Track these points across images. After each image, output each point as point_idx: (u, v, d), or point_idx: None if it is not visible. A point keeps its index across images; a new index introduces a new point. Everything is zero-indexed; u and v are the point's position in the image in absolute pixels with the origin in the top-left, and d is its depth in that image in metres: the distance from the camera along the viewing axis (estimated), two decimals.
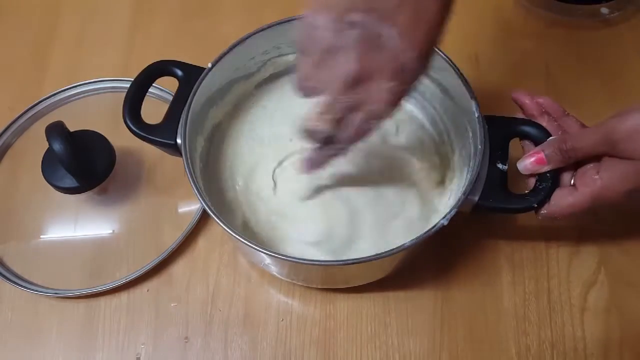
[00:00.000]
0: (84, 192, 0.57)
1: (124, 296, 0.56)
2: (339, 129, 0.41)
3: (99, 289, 0.55)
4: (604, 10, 0.70)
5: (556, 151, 0.46)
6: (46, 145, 0.54)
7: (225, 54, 0.52)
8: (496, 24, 0.71)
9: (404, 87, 0.39)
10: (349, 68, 0.38)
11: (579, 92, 0.65)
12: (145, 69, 0.52)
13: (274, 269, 0.52)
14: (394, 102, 0.40)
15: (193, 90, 0.50)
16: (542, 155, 0.46)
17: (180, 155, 0.48)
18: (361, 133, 0.41)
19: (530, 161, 0.47)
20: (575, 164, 0.47)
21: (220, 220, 0.45)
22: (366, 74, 0.38)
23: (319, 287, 0.56)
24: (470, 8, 0.72)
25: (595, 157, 0.45)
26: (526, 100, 0.51)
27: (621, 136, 0.42)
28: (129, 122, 0.50)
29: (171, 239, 0.57)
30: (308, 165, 0.46)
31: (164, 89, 0.63)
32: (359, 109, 0.40)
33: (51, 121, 0.55)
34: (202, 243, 0.59)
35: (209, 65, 0.51)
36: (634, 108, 0.43)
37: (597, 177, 0.44)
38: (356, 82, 0.39)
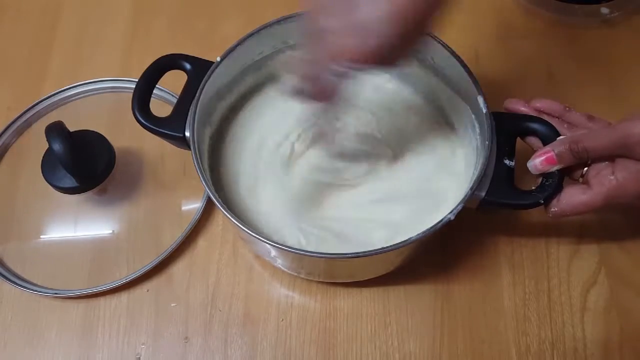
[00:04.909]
0: (83, 192, 0.57)
1: (124, 296, 0.56)
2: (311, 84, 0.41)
3: (99, 289, 0.55)
4: (604, 10, 0.70)
5: (567, 151, 0.45)
6: (46, 145, 0.54)
7: (234, 47, 0.52)
8: (496, 24, 0.71)
9: (364, 48, 0.37)
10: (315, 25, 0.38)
11: (579, 91, 0.65)
12: (154, 61, 0.52)
13: (279, 262, 0.52)
14: (354, 60, 0.38)
15: (202, 84, 0.51)
16: (552, 154, 0.46)
17: (188, 148, 0.49)
18: (325, 91, 0.41)
19: (540, 160, 0.46)
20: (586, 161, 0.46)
21: (227, 212, 0.45)
22: (327, 30, 0.38)
23: (322, 280, 0.56)
24: (471, 8, 0.72)
25: (609, 158, 0.45)
26: (522, 108, 0.51)
27: (636, 140, 0.42)
28: (138, 115, 0.50)
29: (171, 238, 0.57)
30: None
31: (164, 89, 0.63)
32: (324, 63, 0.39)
33: (51, 121, 0.55)
34: (202, 243, 0.59)
35: (218, 59, 0.52)
36: None
37: (612, 177, 0.44)
38: (317, 37, 0.38)
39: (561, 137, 0.47)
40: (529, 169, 0.47)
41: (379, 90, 0.58)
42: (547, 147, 0.47)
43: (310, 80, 0.41)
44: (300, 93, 0.42)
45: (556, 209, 0.47)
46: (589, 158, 0.45)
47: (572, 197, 0.46)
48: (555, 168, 0.46)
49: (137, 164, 0.62)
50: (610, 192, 0.44)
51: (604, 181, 0.45)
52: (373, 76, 0.58)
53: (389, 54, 0.38)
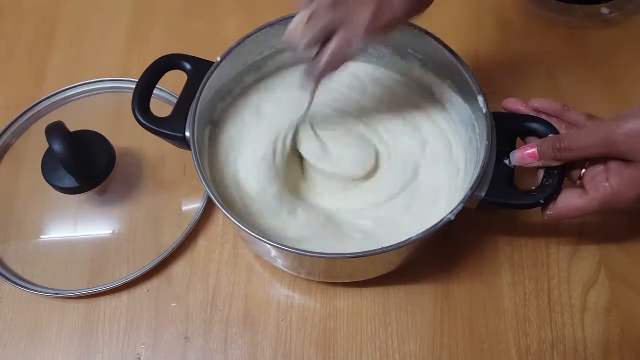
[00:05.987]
0: (84, 192, 0.57)
1: (124, 296, 0.56)
2: (316, 49, 0.43)
3: (99, 289, 0.55)
4: (604, 10, 0.70)
5: (549, 148, 0.46)
6: (46, 145, 0.54)
7: (234, 47, 0.52)
8: (496, 24, 0.71)
9: (386, 16, 0.41)
10: None
11: (579, 91, 0.65)
12: (154, 62, 0.52)
13: (279, 262, 0.52)
14: (371, 29, 0.41)
15: (202, 84, 0.51)
16: (534, 150, 0.46)
17: (188, 148, 0.49)
18: (334, 59, 0.43)
19: (520, 154, 0.47)
20: (584, 161, 0.46)
21: (227, 212, 0.45)
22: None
23: (322, 280, 0.56)
24: (470, 8, 0.72)
25: (600, 158, 0.45)
26: (520, 107, 0.51)
27: (619, 139, 0.42)
28: (138, 115, 0.50)
29: (171, 238, 0.57)
30: (305, 76, 0.47)
31: (164, 89, 0.63)
32: (337, 30, 0.42)
33: (51, 121, 0.55)
34: (202, 243, 0.59)
35: (218, 59, 0.52)
36: (632, 113, 0.42)
37: (606, 183, 0.44)
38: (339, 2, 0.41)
39: (552, 135, 0.47)
40: (511, 159, 0.48)
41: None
42: (533, 143, 0.47)
43: (317, 45, 0.43)
44: (310, 71, 0.44)
45: (552, 212, 0.47)
46: (572, 157, 0.45)
47: (568, 201, 0.46)
48: (536, 163, 0.47)
49: (137, 164, 0.62)
50: (605, 198, 0.44)
51: (599, 187, 0.45)
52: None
53: (394, 27, 0.42)
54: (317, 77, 0.45)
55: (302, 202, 0.54)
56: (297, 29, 0.42)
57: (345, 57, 0.43)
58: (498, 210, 0.49)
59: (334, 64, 0.43)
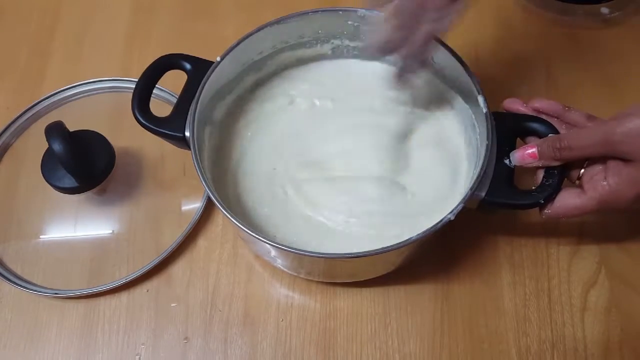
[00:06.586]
0: (83, 192, 0.57)
1: (124, 296, 0.56)
2: (404, 40, 0.44)
3: (99, 289, 0.55)
4: (604, 10, 0.70)
5: (549, 148, 0.45)
6: (46, 145, 0.54)
7: (234, 47, 0.52)
8: (496, 23, 0.71)
9: None
10: None
11: (578, 92, 0.65)
12: (154, 61, 0.53)
13: (279, 262, 0.52)
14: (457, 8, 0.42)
15: (202, 84, 0.51)
16: (535, 149, 0.46)
17: (188, 148, 0.49)
18: (424, 42, 0.44)
19: (520, 153, 0.47)
20: (583, 161, 0.46)
21: (227, 212, 0.45)
22: None
23: (322, 280, 0.56)
24: (470, 8, 0.72)
25: (600, 158, 0.45)
26: (520, 108, 0.51)
27: (619, 138, 0.42)
28: (137, 114, 0.50)
29: (171, 239, 0.57)
30: (395, 83, 0.50)
31: (164, 89, 0.63)
32: (423, 15, 0.43)
33: (51, 121, 0.55)
34: (202, 243, 0.59)
35: (218, 58, 0.52)
36: (632, 112, 0.42)
37: (605, 182, 0.44)
38: None
39: (552, 134, 0.47)
40: (511, 159, 0.48)
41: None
42: (533, 143, 0.47)
43: (402, 31, 0.44)
44: (386, 47, 0.46)
45: (550, 212, 0.47)
46: (572, 157, 0.45)
47: (566, 201, 0.46)
48: (536, 163, 0.47)
49: (137, 164, 0.62)
50: (603, 198, 0.44)
51: (597, 186, 0.45)
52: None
53: None
54: (418, 64, 0.47)
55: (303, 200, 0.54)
56: (381, 27, 0.45)
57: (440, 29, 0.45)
58: (498, 210, 0.49)
59: (430, 40, 0.45)
